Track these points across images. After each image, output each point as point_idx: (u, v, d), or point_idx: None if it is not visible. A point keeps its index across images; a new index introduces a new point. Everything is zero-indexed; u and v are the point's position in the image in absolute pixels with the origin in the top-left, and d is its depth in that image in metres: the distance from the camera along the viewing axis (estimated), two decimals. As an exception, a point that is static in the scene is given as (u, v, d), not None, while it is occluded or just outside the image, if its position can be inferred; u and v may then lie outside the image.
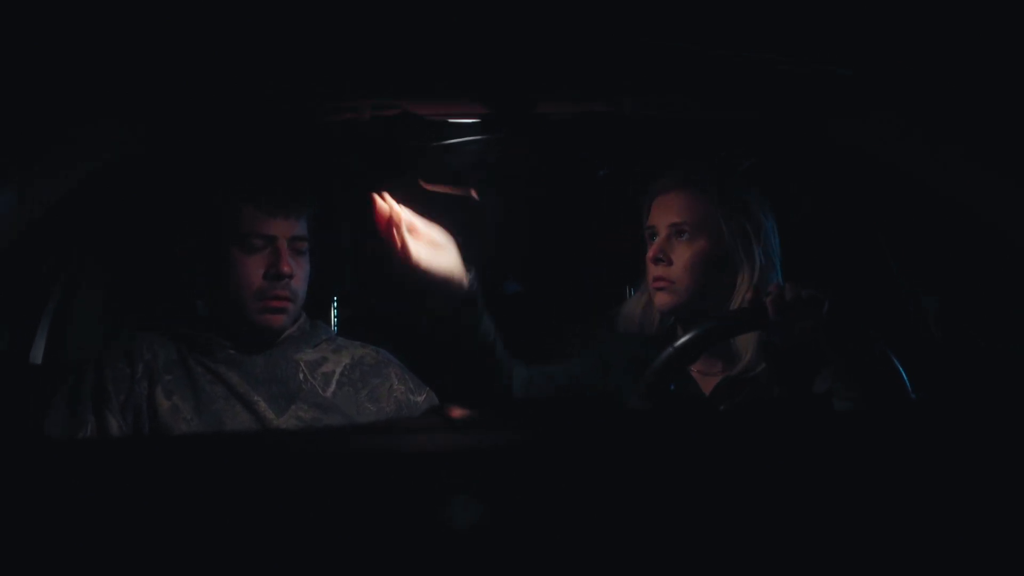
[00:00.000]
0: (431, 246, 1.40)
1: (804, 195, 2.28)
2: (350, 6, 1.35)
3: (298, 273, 1.66)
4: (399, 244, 1.34)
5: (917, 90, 1.52)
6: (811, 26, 1.38)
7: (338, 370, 1.72)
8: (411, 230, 1.36)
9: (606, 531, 0.74)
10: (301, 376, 1.67)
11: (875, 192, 2.09)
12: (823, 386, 1.47)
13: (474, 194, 2.04)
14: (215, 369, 1.63)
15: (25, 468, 0.83)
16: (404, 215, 1.35)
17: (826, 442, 0.93)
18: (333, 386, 1.69)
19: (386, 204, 1.34)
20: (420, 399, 1.76)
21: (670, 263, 1.64)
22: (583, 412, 1.17)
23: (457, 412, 1.11)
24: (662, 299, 1.65)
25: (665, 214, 1.67)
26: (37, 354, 1.99)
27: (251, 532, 0.73)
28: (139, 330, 1.71)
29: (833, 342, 1.41)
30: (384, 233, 1.33)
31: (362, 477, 0.79)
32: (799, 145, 2.04)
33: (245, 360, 1.65)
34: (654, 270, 1.65)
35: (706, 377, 1.64)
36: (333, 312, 2.09)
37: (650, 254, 1.66)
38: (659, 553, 0.72)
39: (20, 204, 1.54)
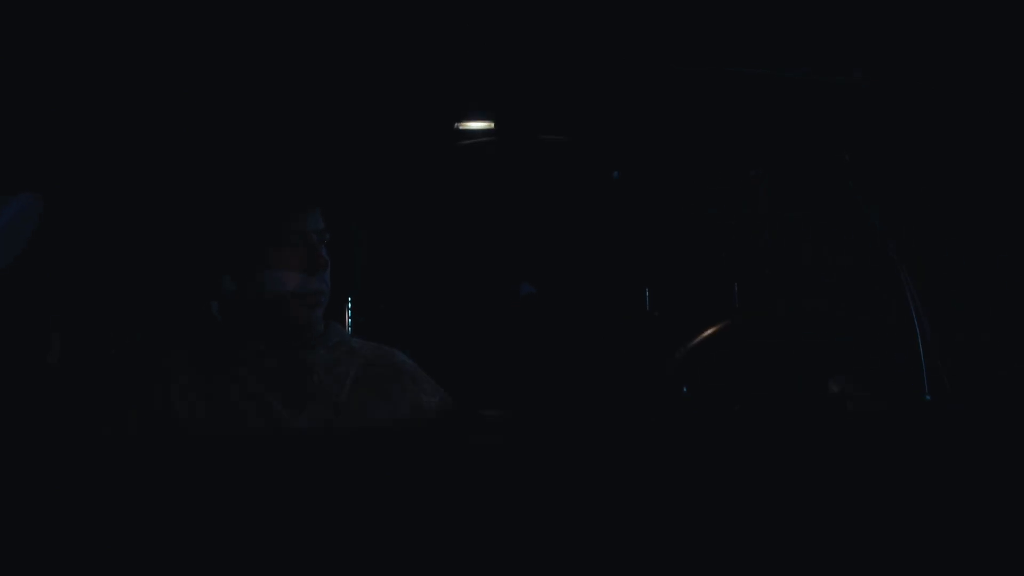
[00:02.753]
0: None
1: (812, 199, 2.28)
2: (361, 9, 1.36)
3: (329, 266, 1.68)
4: None
5: (929, 98, 1.52)
6: (823, 34, 1.38)
7: (352, 372, 1.71)
8: None
9: (627, 529, 0.74)
10: (316, 378, 1.67)
11: (885, 197, 2.08)
12: (837, 387, 1.47)
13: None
14: (229, 370, 1.63)
15: (41, 469, 0.83)
16: None
17: (840, 443, 0.93)
18: (347, 387, 1.69)
19: None
20: (434, 401, 1.76)
21: None
22: (598, 412, 1.17)
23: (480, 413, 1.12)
24: None
25: None
26: (53, 356, 2.00)
27: (265, 530, 0.73)
28: (153, 331, 1.72)
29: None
30: None
31: (375, 477, 0.79)
32: (809, 152, 2.04)
33: (260, 361, 1.65)
34: None
35: None
36: (347, 314, 2.09)
37: None
38: (669, 552, 0.72)
39: (37, 207, 1.55)
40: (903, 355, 1.37)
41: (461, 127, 2.63)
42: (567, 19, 1.40)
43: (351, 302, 2.13)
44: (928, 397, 1.33)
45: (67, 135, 1.56)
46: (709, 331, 1.42)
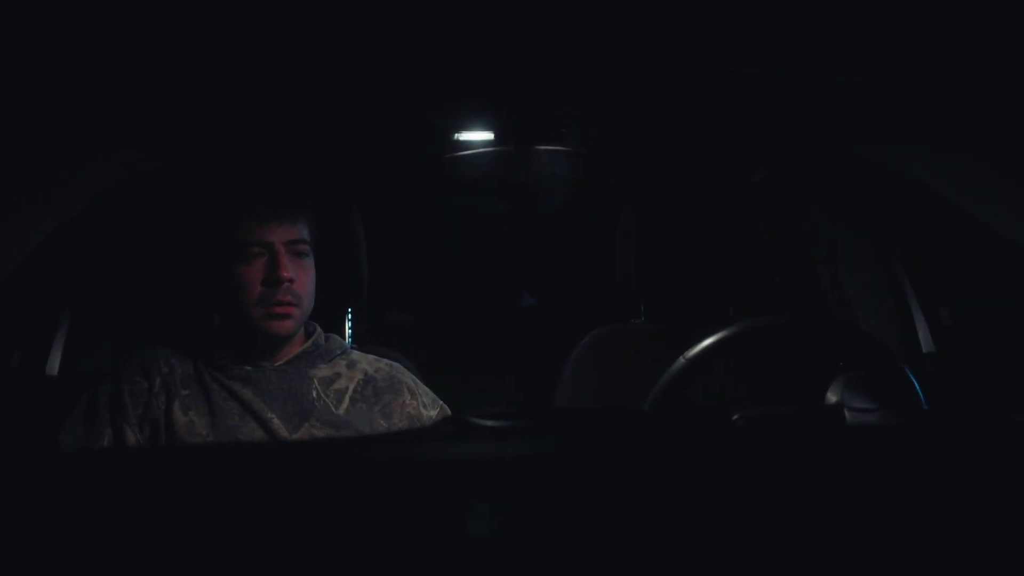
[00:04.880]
0: None
1: (814, 206, 2.28)
2: (359, 12, 1.36)
3: (300, 277, 1.65)
4: None
5: (933, 101, 1.52)
6: (827, 37, 1.39)
7: (351, 387, 1.71)
8: None
9: (620, 540, 0.74)
10: (314, 393, 1.67)
11: (889, 203, 2.09)
12: (835, 396, 1.47)
13: None
14: (229, 385, 1.63)
15: (41, 480, 0.83)
16: None
17: (839, 452, 0.93)
18: (346, 403, 1.69)
19: None
20: (433, 414, 1.76)
21: None
22: (600, 421, 1.17)
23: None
24: None
25: None
26: (53, 366, 2.01)
27: (264, 545, 0.73)
28: (156, 343, 1.72)
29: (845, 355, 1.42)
30: None
31: (376, 488, 0.80)
32: (811, 156, 2.04)
33: (259, 376, 1.65)
34: None
35: None
36: (347, 325, 2.10)
37: None
38: (671, 563, 0.72)
39: (36, 218, 1.55)
40: (902, 362, 1.38)
41: (461, 138, 2.64)
42: (563, 24, 1.40)
43: (351, 313, 2.13)
44: (926, 407, 1.33)
45: (64, 135, 1.56)
46: (709, 340, 1.42)
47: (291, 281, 1.63)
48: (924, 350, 2.00)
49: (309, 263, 1.68)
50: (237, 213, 1.64)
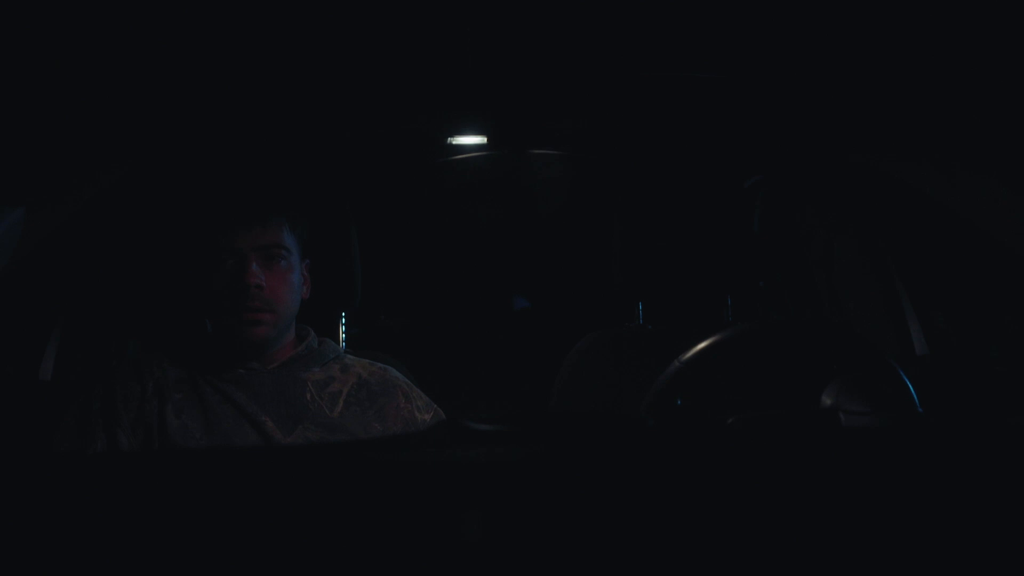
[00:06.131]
0: None
1: (810, 209, 2.28)
2: (358, 17, 1.36)
3: (272, 282, 1.64)
4: None
5: (930, 108, 1.53)
6: (822, 40, 1.39)
7: (345, 390, 1.71)
8: None
9: (615, 542, 0.74)
10: (308, 396, 1.67)
11: (883, 208, 2.09)
12: (830, 400, 1.47)
13: None
14: (223, 388, 1.63)
15: (35, 483, 0.83)
16: None
17: (834, 455, 0.93)
18: (340, 406, 1.68)
19: None
20: (427, 417, 1.76)
21: None
22: (594, 425, 1.17)
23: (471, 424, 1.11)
24: None
25: None
26: (46, 371, 2.00)
27: (261, 547, 0.73)
28: (149, 347, 1.71)
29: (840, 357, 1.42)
30: None
31: (372, 492, 0.79)
32: (807, 161, 2.05)
33: (253, 379, 1.65)
34: None
35: None
36: (341, 330, 2.09)
37: None
38: (667, 565, 0.72)
39: (28, 223, 1.55)
40: (897, 365, 1.38)
41: (454, 142, 2.64)
42: (559, 26, 1.40)
43: (345, 317, 2.12)
44: (920, 409, 1.33)
45: (55, 143, 1.56)
46: (704, 343, 1.42)
47: (260, 287, 1.61)
48: (918, 353, 2.01)
49: (286, 267, 1.67)
50: (210, 220, 1.63)
